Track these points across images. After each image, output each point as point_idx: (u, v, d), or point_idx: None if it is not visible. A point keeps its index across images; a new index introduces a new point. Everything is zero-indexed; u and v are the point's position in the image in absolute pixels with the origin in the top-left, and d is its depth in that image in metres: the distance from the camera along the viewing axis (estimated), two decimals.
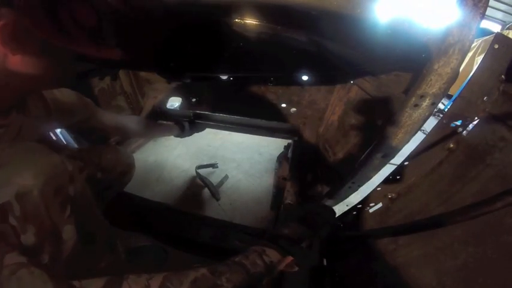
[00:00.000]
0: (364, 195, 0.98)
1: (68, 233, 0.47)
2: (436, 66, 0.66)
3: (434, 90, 0.69)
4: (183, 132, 1.31)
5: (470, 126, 0.73)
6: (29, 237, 0.40)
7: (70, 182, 0.50)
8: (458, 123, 0.74)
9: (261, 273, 0.53)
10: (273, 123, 1.73)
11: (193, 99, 1.77)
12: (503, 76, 0.66)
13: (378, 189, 0.92)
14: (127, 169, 0.90)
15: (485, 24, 4.77)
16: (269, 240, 0.61)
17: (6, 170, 0.42)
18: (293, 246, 0.60)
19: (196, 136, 1.85)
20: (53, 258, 0.43)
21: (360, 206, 1.00)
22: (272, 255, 0.56)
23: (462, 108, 0.73)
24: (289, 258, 0.59)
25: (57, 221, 0.45)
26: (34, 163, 0.45)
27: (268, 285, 0.55)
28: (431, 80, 0.68)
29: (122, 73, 1.57)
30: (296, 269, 0.60)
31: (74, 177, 0.52)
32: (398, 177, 0.87)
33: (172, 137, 1.45)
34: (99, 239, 0.58)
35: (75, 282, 0.39)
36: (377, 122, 1.03)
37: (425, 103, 0.73)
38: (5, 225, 0.39)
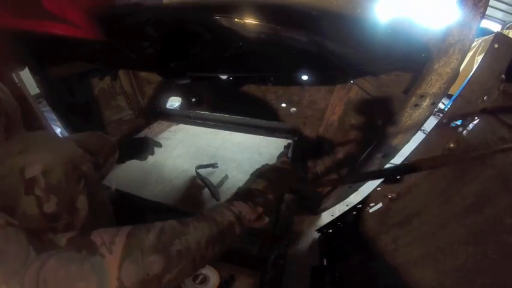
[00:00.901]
0: (364, 195, 0.98)
1: (82, 202, 0.53)
2: (436, 66, 0.66)
3: (434, 90, 0.69)
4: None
5: (470, 126, 0.72)
6: (51, 206, 0.47)
7: (83, 161, 0.57)
8: (459, 123, 0.74)
9: (230, 223, 0.54)
10: (273, 123, 1.73)
11: (193, 99, 1.77)
12: (503, 76, 0.65)
13: (378, 189, 0.92)
14: (111, 152, 0.92)
15: (486, 23, 4.76)
16: (236, 196, 0.62)
17: (31, 153, 0.49)
18: (260, 197, 0.62)
19: (196, 136, 1.85)
20: (67, 225, 0.48)
21: (360, 206, 0.99)
22: (240, 206, 0.57)
23: (462, 108, 0.73)
24: (259, 209, 0.60)
25: (73, 191, 0.52)
26: (52, 146, 0.54)
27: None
28: (431, 79, 0.68)
29: (121, 73, 1.57)
30: (266, 220, 0.62)
31: (83, 157, 0.59)
32: (398, 177, 0.87)
33: (172, 137, 1.45)
34: (101, 217, 0.62)
35: (50, 234, 0.43)
36: (377, 122, 1.03)
37: (426, 103, 0.73)
38: (29, 197, 0.45)
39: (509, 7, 5.08)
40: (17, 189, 0.45)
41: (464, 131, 0.73)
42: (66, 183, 0.50)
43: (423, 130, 1.18)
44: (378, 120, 1.04)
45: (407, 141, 0.83)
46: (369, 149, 0.94)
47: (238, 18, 0.87)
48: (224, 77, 1.55)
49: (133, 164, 1.43)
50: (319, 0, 0.66)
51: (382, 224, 0.89)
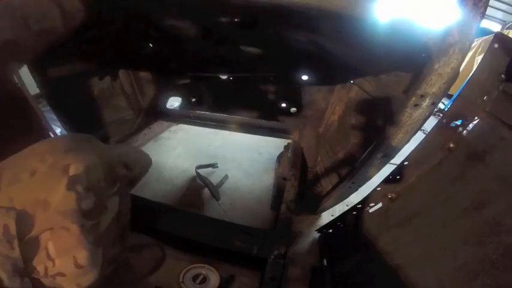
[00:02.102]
0: (364, 195, 0.98)
1: (113, 203, 0.58)
2: (436, 66, 0.66)
3: (434, 90, 0.69)
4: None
5: (470, 125, 0.72)
6: (88, 204, 0.51)
7: (119, 167, 0.63)
8: (458, 122, 0.74)
9: None
10: (273, 123, 1.73)
11: (193, 99, 1.78)
12: (503, 75, 0.65)
13: (378, 189, 0.92)
14: (146, 167, 0.93)
15: (486, 23, 4.75)
16: None
17: (76, 151, 0.53)
18: None
19: (197, 136, 1.85)
20: (93, 227, 0.52)
21: (360, 206, 0.99)
22: None
23: (462, 108, 0.73)
24: None
25: (106, 193, 0.56)
26: (95, 147, 0.59)
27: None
28: (431, 79, 0.68)
29: (121, 73, 1.56)
30: None
31: (120, 166, 0.64)
32: (398, 177, 0.87)
33: (172, 137, 1.44)
34: (122, 220, 0.66)
35: None
36: (377, 122, 1.03)
37: (426, 103, 0.73)
38: (70, 193, 0.49)
39: (509, 7, 5.08)
40: (53, 185, 0.49)
41: (464, 131, 0.73)
42: (104, 183, 0.55)
43: (423, 130, 1.18)
44: (378, 120, 1.04)
45: (407, 141, 0.83)
46: (369, 149, 0.94)
47: (238, 19, 0.87)
48: (224, 77, 1.55)
49: None
50: (318, 0, 0.66)
51: (382, 224, 0.88)
